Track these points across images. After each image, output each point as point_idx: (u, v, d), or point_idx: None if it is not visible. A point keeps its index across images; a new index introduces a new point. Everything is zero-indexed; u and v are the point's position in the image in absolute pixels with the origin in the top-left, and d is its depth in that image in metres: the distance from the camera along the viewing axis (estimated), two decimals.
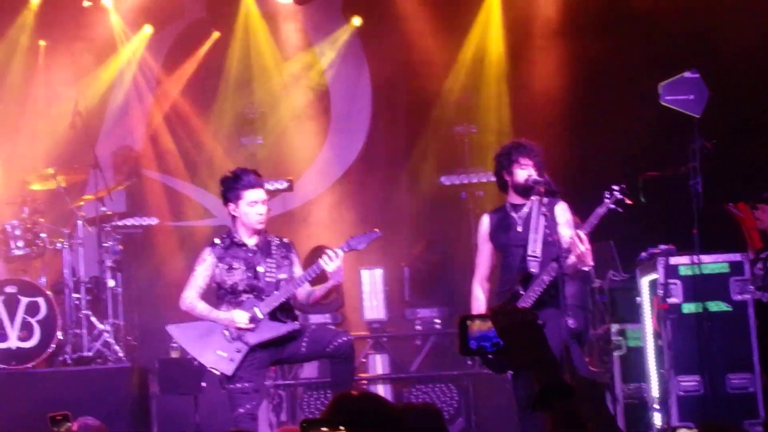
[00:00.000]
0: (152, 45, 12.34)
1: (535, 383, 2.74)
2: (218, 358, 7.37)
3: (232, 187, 7.51)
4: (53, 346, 9.74)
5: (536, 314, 2.99)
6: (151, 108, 12.38)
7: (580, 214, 7.43)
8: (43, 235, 10.22)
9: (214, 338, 7.38)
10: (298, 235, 10.79)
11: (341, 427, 2.66)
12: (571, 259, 6.89)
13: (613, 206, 7.04)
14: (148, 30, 12.29)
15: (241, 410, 7.32)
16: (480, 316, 3.03)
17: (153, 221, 11.53)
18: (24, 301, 9.80)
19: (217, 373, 7.40)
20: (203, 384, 9.53)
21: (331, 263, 7.28)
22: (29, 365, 9.70)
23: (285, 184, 11.27)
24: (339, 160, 12.46)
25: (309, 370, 10.40)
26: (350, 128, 12.53)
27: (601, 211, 7.04)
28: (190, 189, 12.39)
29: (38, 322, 9.77)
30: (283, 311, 7.50)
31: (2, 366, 9.64)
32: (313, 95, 12.43)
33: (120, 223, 10.98)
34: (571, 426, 2.68)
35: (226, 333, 7.38)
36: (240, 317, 7.37)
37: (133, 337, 10.89)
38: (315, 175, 12.38)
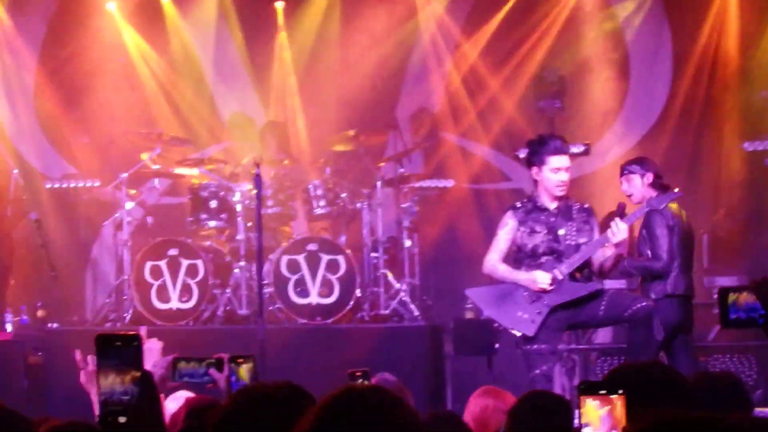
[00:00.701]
0: (451, 7, 12.41)
1: None
2: (519, 319, 7.40)
3: (537, 151, 7.49)
4: (351, 303, 10.03)
5: None
6: (450, 70, 12.47)
7: None
8: (343, 195, 10.52)
9: (514, 300, 7.42)
10: (592, 199, 10.64)
11: (620, 391, 2.58)
12: None
13: None
14: None
15: (537, 371, 7.33)
16: (745, 288, 2.92)
17: (449, 183, 11.65)
18: (325, 258, 10.12)
19: (517, 334, 7.43)
20: (497, 345, 9.59)
21: (616, 235, 7.18)
22: (329, 321, 10.03)
23: (582, 148, 11.12)
24: (637, 124, 12.18)
25: (603, 335, 10.27)
26: (649, 92, 12.21)
27: None
28: (487, 152, 12.42)
29: (338, 279, 10.09)
30: (583, 274, 7.47)
31: (304, 321, 10.03)
32: (613, 58, 12.18)
33: (417, 184, 11.16)
34: None
35: (526, 295, 7.41)
36: (541, 277, 7.36)
37: (428, 296, 11.07)
38: (612, 139, 12.15)
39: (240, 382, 3.88)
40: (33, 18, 12.41)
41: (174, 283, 10.12)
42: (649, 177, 8.10)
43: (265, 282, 9.61)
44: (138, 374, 2.30)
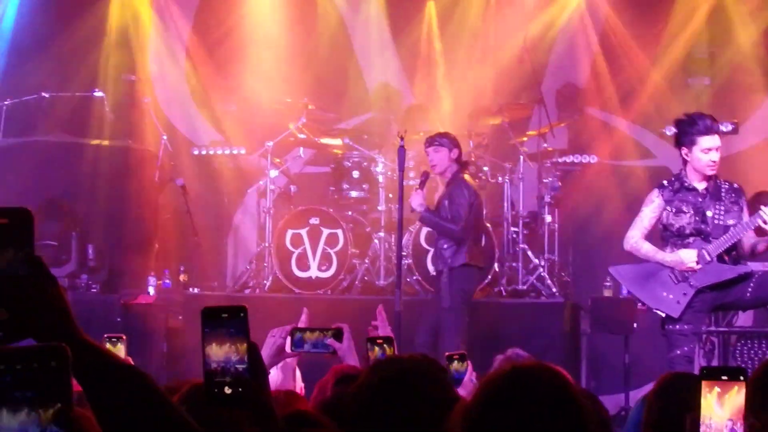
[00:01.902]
0: None
1: None
2: (664, 299, 7.30)
3: (687, 131, 7.34)
4: (489, 277, 10.00)
5: None
6: (597, 47, 12.27)
7: None
8: (485, 168, 10.49)
9: (659, 280, 7.32)
10: (739, 179, 10.37)
11: (741, 378, 2.49)
12: None
13: None
14: None
15: (678, 352, 7.22)
16: None
17: (592, 159, 11.48)
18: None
19: (662, 314, 7.32)
20: (635, 325, 9.45)
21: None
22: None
23: (730, 127, 10.83)
24: None
25: (744, 319, 10.02)
26: None
27: None
28: (631, 128, 12.22)
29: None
30: (730, 255, 7.32)
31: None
32: (763, 33, 11.82)
33: (560, 159, 11.04)
34: None
35: (672, 275, 7.29)
36: (688, 257, 7.24)
37: (566, 273, 10.98)
38: (762, 118, 11.82)
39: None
40: None
41: (314, 252, 10.23)
42: None
43: (404, 253, 9.65)
44: (245, 346, 2.30)
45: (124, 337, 4.37)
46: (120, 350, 4.29)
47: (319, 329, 4.27)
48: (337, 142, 11.11)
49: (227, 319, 2.31)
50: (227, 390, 2.27)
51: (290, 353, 4.30)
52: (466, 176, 9.16)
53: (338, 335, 4.23)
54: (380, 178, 10.44)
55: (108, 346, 4.24)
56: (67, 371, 1.66)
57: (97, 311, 9.69)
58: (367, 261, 10.31)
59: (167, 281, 10.72)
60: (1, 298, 1.82)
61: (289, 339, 4.24)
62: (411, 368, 2.93)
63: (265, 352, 4.74)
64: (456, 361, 4.07)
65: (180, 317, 10.08)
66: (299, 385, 4.78)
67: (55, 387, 1.63)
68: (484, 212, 10.25)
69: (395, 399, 2.85)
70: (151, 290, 10.45)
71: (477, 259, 9.03)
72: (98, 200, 10.63)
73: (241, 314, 2.31)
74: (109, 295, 10.21)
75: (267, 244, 10.48)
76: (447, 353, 4.13)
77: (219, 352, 2.29)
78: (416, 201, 8.89)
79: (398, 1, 12.46)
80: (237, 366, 2.28)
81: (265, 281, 10.43)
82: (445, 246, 8.89)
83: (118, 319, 9.76)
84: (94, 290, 10.30)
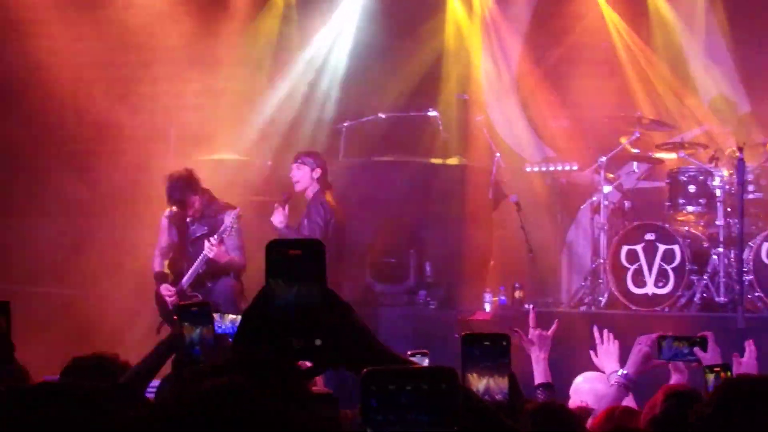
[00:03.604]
0: None
1: None
2: None
3: None
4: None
5: None
6: None
7: None
8: None
9: None
10: None
11: None
12: None
13: None
14: None
15: None
16: None
17: None
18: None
19: None
20: None
21: None
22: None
23: None
24: None
25: None
26: None
27: None
28: None
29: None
30: None
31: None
32: None
33: None
34: None
35: None
36: None
37: None
38: None
39: None
40: (519, 5, 12.78)
41: (650, 268, 10.04)
42: None
43: (744, 269, 9.31)
44: (506, 378, 2.22)
45: (427, 352, 4.47)
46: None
47: (685, 338, 4.23)
48: (672, 156, 10.86)
49: (489, 346, 2.24)
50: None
51: (657, 361, 4.31)
52: (328, 196, 9.43)
53: (703, 344, 4.18)
54: (718, 192, 10.10)
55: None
56: (457, 394, 1.65)
57: (435, 327, 9.92)
58: (705, 277, 9.99)
59: (503, 298, 10.80)
60: (313, 327, 1.85)
61: (656, 347, 4.26)
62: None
63: (632, 360, 4.73)
64: None
65: (516, 332, 10.11)
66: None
67: (447, 410, 1.62)
68: None
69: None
70: (487, 306, 10.57)
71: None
72: (434, 218, 10.89)
73: (503, 343, 2.25)
74: (446, 312, 10.42)
75: (602, 260, 10.39)
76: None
77: (483, 381, 2.23)
78: (277, 218, 9.24)
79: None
80: (501, 395, 2.21)
81: (600, 297, 10.34)
82: None
83: (456, 336, 9.93)
84: (432, 306, 10.53)
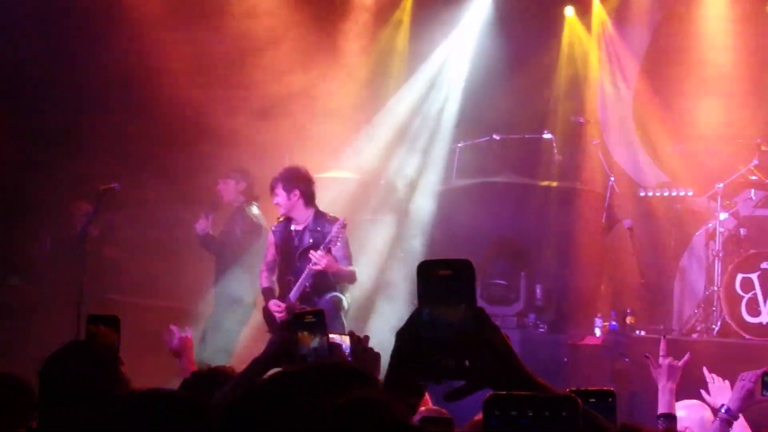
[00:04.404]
0: None
1: None
2: None
3: None
4: None
5: None
6: None
7: None
8: None
9: None
10: None
11: None
12: None
13: None
14: None
15: None
16: None
17: None
18: None
19: None
20: None
21: None
22: None
23: None
24: None
25: None
26: None
27: None
28: None
29: None
30: None
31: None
32: None
33: None
34: None
35: None
36: None
37: None
38: None
39: None
40: (638, 27, 12.66)
41: (765, 297, 9.88)
42: None
43: None
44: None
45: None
46: None
47: None
48: None
49: (595, 403, 2.18)
50: None
51: (760, 398, 4.26)
52: (253, 209, 10.30)
53: None
54: None
55: None
56: (578, 423, 1.65)
57: (545, 351, 9.88)
58: None
59: (614, 323, 10.69)
60: (463, 347, 1.86)
61: (760, 383, 4.21)
62: None
63: (735, 395, 4.68)
64: None
65: (626, 359, 10.03)
66: None
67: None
68: None
69: None
70: (598, 331, 10.48)
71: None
72: (546, 240, 10.84)
73: (609, 399, 2.20)
74: (556, 335, 10.37)
75: (716, 288, 10.23)
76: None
77: None
78: (199, 226, 10.23)
79: None
80: None
81: (713, 325, 10.19)
82: None
83: (565, 359, 9.88)
84: (542, 330, 10.48)
